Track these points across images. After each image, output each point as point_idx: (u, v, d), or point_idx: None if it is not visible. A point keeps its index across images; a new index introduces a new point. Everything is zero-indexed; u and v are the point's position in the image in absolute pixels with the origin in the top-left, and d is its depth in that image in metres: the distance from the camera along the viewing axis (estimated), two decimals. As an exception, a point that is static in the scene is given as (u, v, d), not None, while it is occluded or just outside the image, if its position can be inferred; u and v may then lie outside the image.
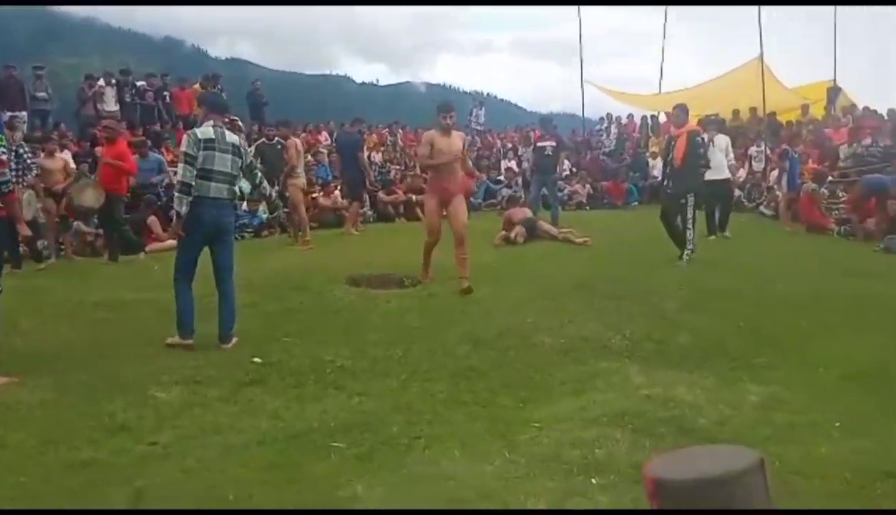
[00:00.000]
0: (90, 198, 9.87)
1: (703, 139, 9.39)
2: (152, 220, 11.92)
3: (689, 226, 9.10)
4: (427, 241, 7.73)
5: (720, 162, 11.17)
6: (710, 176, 10.66)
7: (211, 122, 5.65)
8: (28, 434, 3.97)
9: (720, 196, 11.51)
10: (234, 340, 5.72)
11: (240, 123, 13.05)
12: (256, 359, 5.23)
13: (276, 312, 6.54)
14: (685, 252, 9.01)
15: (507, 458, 3.59)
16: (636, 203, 17.42)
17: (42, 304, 6.94)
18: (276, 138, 11.70)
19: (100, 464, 3.62)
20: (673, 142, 9.34)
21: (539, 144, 12.97)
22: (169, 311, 6.55)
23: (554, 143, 12.89)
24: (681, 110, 9.43)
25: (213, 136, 5.59)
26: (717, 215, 11.62)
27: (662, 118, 21.19)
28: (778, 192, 13.78)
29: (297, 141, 12.45)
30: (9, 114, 13.81)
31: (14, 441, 3.89)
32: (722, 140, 11.77)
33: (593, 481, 3.26)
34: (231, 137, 5.77)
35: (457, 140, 7.54)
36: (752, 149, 16.63)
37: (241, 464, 3.62)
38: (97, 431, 4.01)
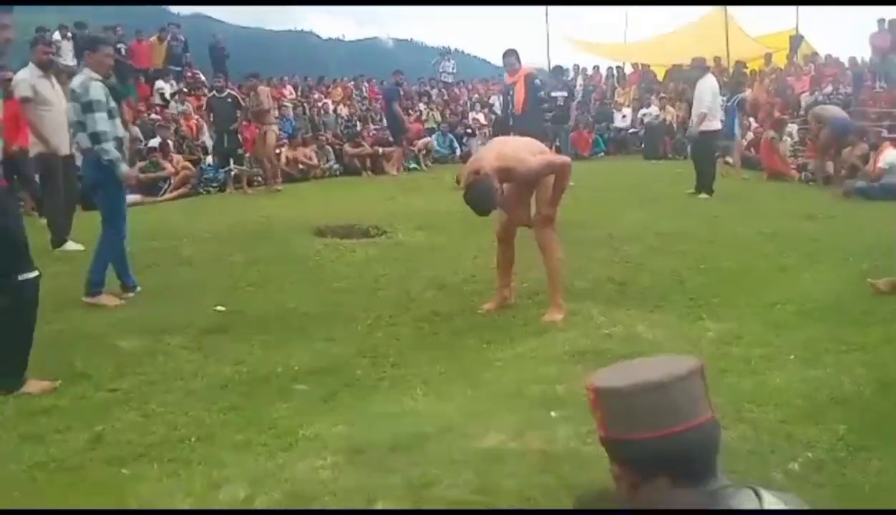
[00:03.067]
0: None
1: (540, 81, 8.96)
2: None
3: None
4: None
5: (712, 108, 10.12)
6: (705, 126, 10.18)
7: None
8: (-14, 383, 3.93)
9: (710, 148, 10.45)
10: (100, 298, 5.33)
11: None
12: (220, 308, 5.21)
13: (240, 262, 6.49)
14: None
15: (470, 395, 3.64)
16: (602, 153, 17.46)
17: None
18: (227, 91, 11.68)
19: (60, 411, 3.60)
20: (511, 90, 8.99)
21: (553, 94, 13.03)
22: (133, 262, 6.51)
23: (566, 93, 12.97)
24: (511, 56, 9.04)
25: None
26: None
27: (628, 69, 21.20)
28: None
29: (267, 89, 12.48)
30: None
31: (-28, 391, 3.84)
32: (711, 83, 10.30)
33: (553, 414, 3.31)
34: (73, 83, 5.39)
35: None
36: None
37: (204, 408, 3.63)
38: (58, 379, 3.97)
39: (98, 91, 5.19)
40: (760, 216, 8.48)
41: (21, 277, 3.76)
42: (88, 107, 5.17)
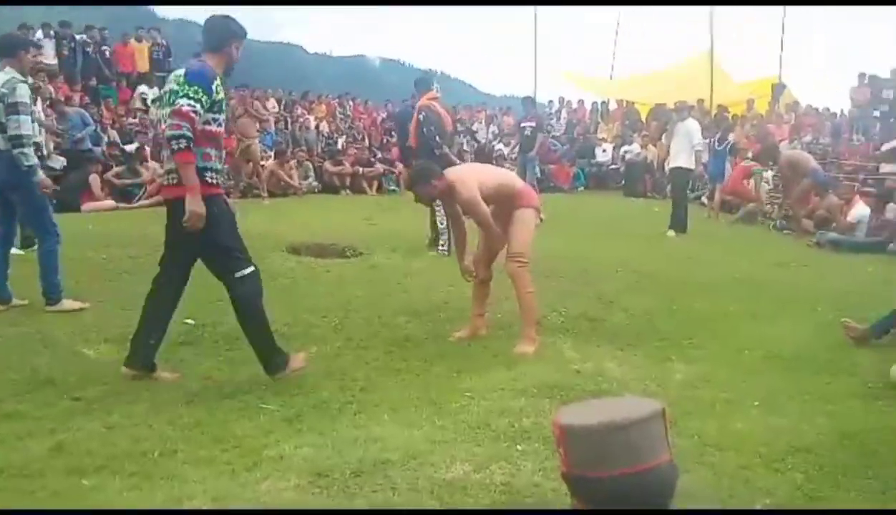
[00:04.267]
0: None
1: (428, 116, 8.19)
2: (93, 178, 11.63)
3: (438, 209, 7.88)
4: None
5: (680, 149, 10.78)
6: (683, 163, 10.82)
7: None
8: (-52, 385, 3.88)
9: (675, 185, 11.29)
10: (63, 304, 5.37)
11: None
12: (189, 321, 5.17)
13: (211, 276, 6.43)
14: (440, 243, 8.12)
15: (436, 424, 3.63)
16: (582, 187, 17.64)
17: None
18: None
19: (22, 416, 3.55)
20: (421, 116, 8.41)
21: (522, 124, 13.31)
22: (102, 270, 6.47)
23: (533, 124, 13.16)
24: (415, 84, 8.81)
25: None
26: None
27: (613, 105, 21.51)
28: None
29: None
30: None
31: (-68, 391, 3.79)
32: (686, 126, 10.90)
33: (518, 447, 3.32)
34: None
35: None
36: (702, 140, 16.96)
37: (168, 422, 3.59)
38: (21, 384, 3.93)
39: (25, 93, 5.10)
40: (735, 261, 8.61)
41: (238, 274, 4.09)
42: (14, 108, 5.04)
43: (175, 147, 3.78)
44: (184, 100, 3.77)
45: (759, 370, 4.73)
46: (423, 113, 8.18)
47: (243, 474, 3.07)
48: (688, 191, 11.90)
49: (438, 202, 8.04)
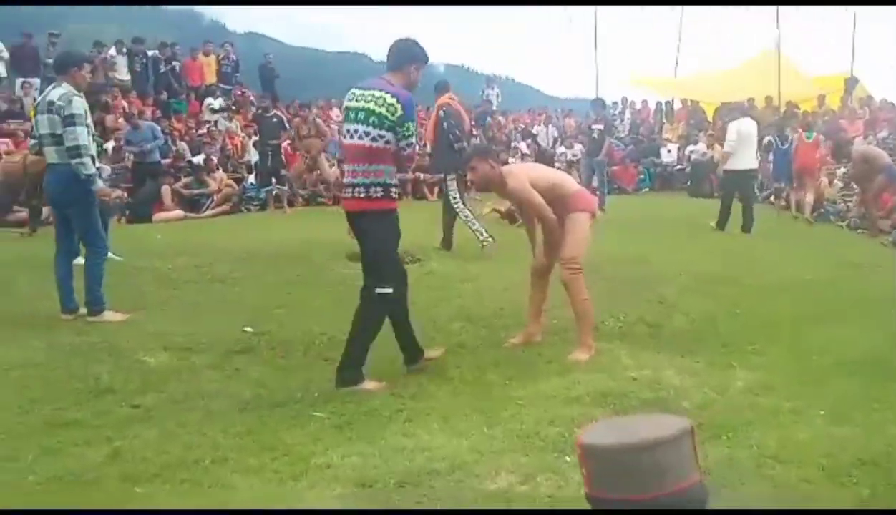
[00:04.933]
0: None
1: (448, 112, 8.50)
2: (165, 189, 11.99)
3: (458, 208, 8.38)
4: None
5: (740, 150, 10.41)
6: (729, 165, 10.63)
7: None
8: (14, 392, 4.04)
9: (738, 188, 10.71)
10: (104, 315, 5.45)
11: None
12: (248, 329, 5.26)
13: (273, 283, 6.57)
14: (480, 238, 8.29)
15: (485, 433, 3.59)
16: (647, 189, 17.34)
17: (38, 266, 6.98)
18: (273, 111, 11.96)
19: (81, 425, 3.66)
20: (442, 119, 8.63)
21: (590, 126, 13.04)
22: (167, 279, 6.64)
23: (601, 126, 12.91)
24: (435, 86, 8.91)
25: (39, 99, 5.42)
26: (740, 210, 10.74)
27: (677, 105, 21.07)
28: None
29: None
30: (21, 79, 13.91)
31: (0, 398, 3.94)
32: (740, 125, 10.56)
33: (567, 458, 3.25)
34: (51, 95, 5.35)
35: None
36: (767, 139, 16.48)
37: (221, 430, 3.64)
38: (83, 393, 4.05)
39: (80, 105, 5.25)
40: (803, 261, 8.31)
41: (378, 290, 4.25)
42: (70, 120, 5.19)
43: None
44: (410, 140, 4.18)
45: (825, 377, 4.53)
46: (444, 110, 8.54)
47: (290, 482, 3.09)
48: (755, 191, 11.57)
49: (456, 197, 8.16)
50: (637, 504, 1.35)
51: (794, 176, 12.63)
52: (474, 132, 16.28)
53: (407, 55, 4.27)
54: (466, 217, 8.34)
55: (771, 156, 13.75)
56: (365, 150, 4.14)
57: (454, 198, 8.41)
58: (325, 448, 3.43)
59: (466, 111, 8.77)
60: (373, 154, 4.13)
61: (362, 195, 4.18)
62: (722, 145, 16.67)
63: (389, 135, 4.10)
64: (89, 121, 5.35)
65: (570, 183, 5.30)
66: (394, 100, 4.08)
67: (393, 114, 4.07)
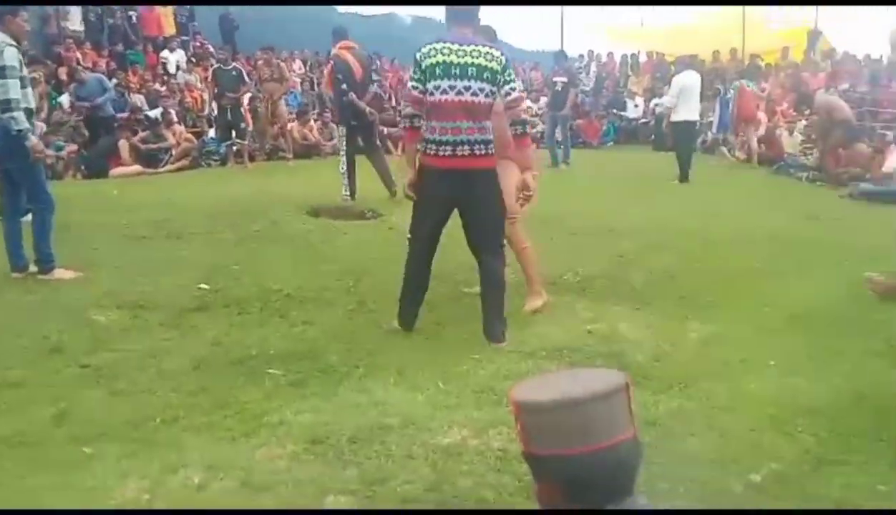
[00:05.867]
0: None
1: (336, 63, 8.42)
2: (122, 143, 11.70)
3: (341, 158, 8.40)
4: None
5: (682, 102, 10.95)
6: (674, 117, 11.10)
7: None
8: (-41, 352, 3.93)
9: (680, 139, 11.28)
10: (55, 273, 5.29)
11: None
12: (203, 286, 5.18)
13: (229, 240, 6.46)
14: (342, 192, 8.29)
15: (441, 388, 3.60)
16: (611, 142, 17.33)
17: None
18: (233, 64, 11.71)
19: (28, 385, 3.60)
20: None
21: (553, 79, 12.87)
22: (121, 235, 6.51)
23: (565, 79, 12.77)
24: (333, 33, 8.80)
25: None
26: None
27: (643, 57, 20.98)
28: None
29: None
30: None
31: (-56, 359, 3.85)
32: (682, 79, 11.09)
33: (520, 412, 3.26)
34: None
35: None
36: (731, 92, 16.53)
37: (173, 388, 3.60)
38: (31, 352, 3.97)
39: (13, 57, 4.99)
40: (763, 215, 8.37)
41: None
42: (1, 72, 4.94)
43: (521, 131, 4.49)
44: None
45: (778, 329, 4.60)
46: (334, 60, 8.59)
47: (241, 440, 3.07)
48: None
49: (342, 149, 8.35)
50: (569, 458, 1.34)
51: (736, 123, 13.23)
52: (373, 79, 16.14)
53: (476, 8, 4.27)
54: (342, 170, 8.32)
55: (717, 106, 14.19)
56: (485, 107, 4.10)
57: (341, 149, 8.47)
58: (278, 405, 3.41)
59: (360, 60, 8.58)
60: (489, 109, 4.12)
61: (482, 152, 4.13)
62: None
63: (496, 90, 4.10)
64: (24, 72, 5.09)
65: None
66: (499, 54, 4.08)
67: (500, 67, 4.06)
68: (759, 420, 3.24)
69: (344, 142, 8.44)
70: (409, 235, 4.44)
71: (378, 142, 9.36)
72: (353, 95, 8.23)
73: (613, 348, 4.14)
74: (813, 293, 5.37)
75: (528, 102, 17.61)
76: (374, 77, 10.27)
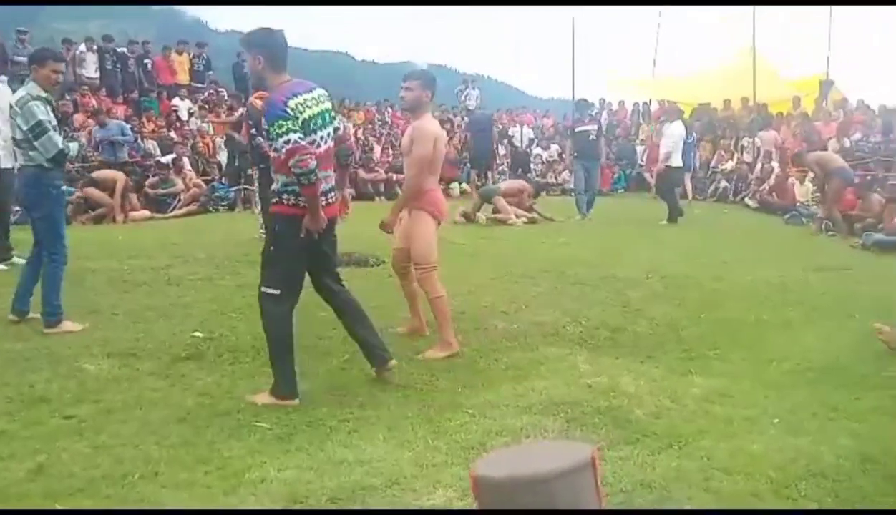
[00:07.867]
0: None
1: (249, 110, 8.47)
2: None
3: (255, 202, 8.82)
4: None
5: (675, 150, 12.17)
6: (670, 162, 12.31)
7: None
8: (-57, 402, 3.86)
9: (674, 183, 12.68)
10: (62, 326, 5.16)
11: None
12: (197, 333, 5.11)
13: (228, 286, 6.41)
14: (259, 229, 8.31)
15: (430, 444, 3.48)
16: (622, 189, 17.31)
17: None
18: (241, 110, 11.82)
19: (8, 436, 3.51)
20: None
21: (580, 128, 12.77)
22: (121, 281, 6.47)
23: (595, 127, 12.79)
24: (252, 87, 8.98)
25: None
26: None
27: (654, 106, 21.06)
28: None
29: None
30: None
31: (-73, 408, 3.77)
32: (677, 128, 12.49)
33: (511, 471, 3.14)
34: (11, 98, 5.28)
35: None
36: (744, 140, 16.56)
37: (156, 442, 3.50)
38: (15, 402, 3.90)
39: (40, 110, 5.06)
40: (772, 264, 8.27)
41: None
42: (38, 128, 5.03)
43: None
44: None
45: (784, 384, 4.46)
46: (248, 108, 8.70)
47: (220, 498, 2.96)
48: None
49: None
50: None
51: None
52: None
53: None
54: (258, 211, 8.67)
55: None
56: (332, 153, 4.08)
57: (255, 191, 8.80)
58: (262, 461, 3.30)
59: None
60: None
61: (334, 200, 4.11)
62: (698, 146, 16.89)
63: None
64: (50, 116, 5.17)
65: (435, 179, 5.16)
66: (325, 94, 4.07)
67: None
68: (759, 483, 3.10)
69: (257, 184, 8.61)
70: (275, 291, 4.12)
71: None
72: (260, 139, 8.28)
73: (613, 403, 4.01)
74: (821, 346, 5.24)
75: (538, 149, 17.67)
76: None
